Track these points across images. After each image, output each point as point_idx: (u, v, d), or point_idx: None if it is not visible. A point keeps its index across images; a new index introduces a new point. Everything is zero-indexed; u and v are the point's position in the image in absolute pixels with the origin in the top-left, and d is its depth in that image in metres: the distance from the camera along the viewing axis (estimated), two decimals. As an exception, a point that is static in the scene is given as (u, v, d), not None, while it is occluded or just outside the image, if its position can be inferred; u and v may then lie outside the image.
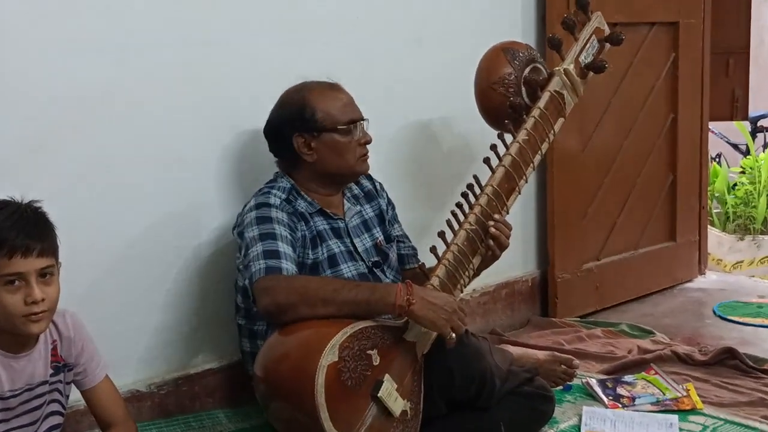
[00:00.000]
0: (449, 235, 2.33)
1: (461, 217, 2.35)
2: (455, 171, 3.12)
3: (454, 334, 2.13)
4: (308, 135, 2.39)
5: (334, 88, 2.44)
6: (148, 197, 2.52)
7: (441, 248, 2.30)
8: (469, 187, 2.37)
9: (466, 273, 2.32)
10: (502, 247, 2.37)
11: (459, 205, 2.36)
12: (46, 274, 1.85)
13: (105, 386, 2.06)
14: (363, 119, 2.44)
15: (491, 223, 2.32)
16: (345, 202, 2.52)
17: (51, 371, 1.95)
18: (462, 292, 2.35)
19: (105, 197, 2.44)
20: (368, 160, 2.46)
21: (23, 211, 1.85)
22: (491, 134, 2.45)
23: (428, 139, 3.27)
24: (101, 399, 2.05)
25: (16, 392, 1.90)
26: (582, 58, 2.60)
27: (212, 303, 2.68)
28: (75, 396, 2.09)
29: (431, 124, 3.27)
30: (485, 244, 2.33)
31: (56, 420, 1.99)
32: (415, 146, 3.22)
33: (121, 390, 2.36)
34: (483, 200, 2.36)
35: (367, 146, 2.44)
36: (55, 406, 1.98)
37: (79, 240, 2.26)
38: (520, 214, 3.52)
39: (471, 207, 2.36)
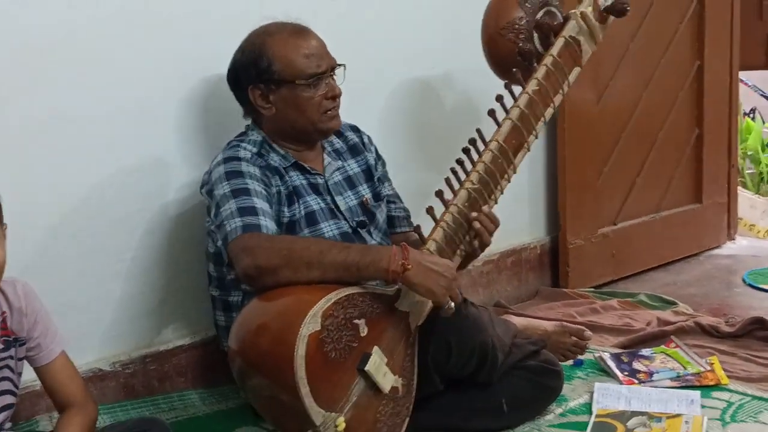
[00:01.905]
0: (448, 195, 2.32)
1: (462, 176, 2.34)
2: (458, 129, 3.09)
3: (453, 304, 2.13)
4: (265, 87, 2.37)
5: (299, 33, 2.39)
6: (105, 153, 2.51)
7: (439, 210, 2.29)
8: (472, 142, 2.35)
9: (467, 237, 2.32)
10: (484, 245, 2.34)
11: (460, 162, 2.34)
12: None
13: (61, 363, 2.05)
14: (332, 70, 2.39)
15: (474, 215, 2.29)
16: (325, 156, 2.51)
17: (0, 346, 1.95)
18: (461, 258, 2.34)
19: (58, 154, 2.43)
20: (338, 115, 2.41)
21: None
22: (499, 89, 2.44)
23: (429, 94, 3.27)
24: (57, 377, 2.04)
25: (-39, 369, 1.90)
26: (601, 0, 2.58)
27: (183, 272, 2.68)
28: (31, 376, 2.09)
29: (433, 78, 3.27)
30: (466, 239, 2.31)
31: (8, 399, 1.99)
32: (414, 101, 3.22)
33: (81, 369, 2.37)
34: (487, 157, 2.35)
35: (337, 100, 2.39)
36: (6, 385, 1.98)
37: (30, 201, 2.26)
38: (528, 173, 3.52)
39: (474, 164, 2.35)
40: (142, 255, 2.62)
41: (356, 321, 2.04)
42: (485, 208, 2.31)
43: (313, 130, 2.41)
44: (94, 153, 2.49)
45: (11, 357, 1.98)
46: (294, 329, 1.91)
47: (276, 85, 2.36)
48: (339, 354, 1.98)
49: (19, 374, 2.02)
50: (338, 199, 2.46)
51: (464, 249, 2.32)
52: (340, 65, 2.42)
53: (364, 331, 2.05)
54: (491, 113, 2.40)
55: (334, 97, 2.39)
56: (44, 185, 2.40)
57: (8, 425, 2.05)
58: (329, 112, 2.39)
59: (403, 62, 3.14)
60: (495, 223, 2.34)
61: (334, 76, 2.41)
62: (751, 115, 6.21)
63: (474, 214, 2.29)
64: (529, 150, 2.46)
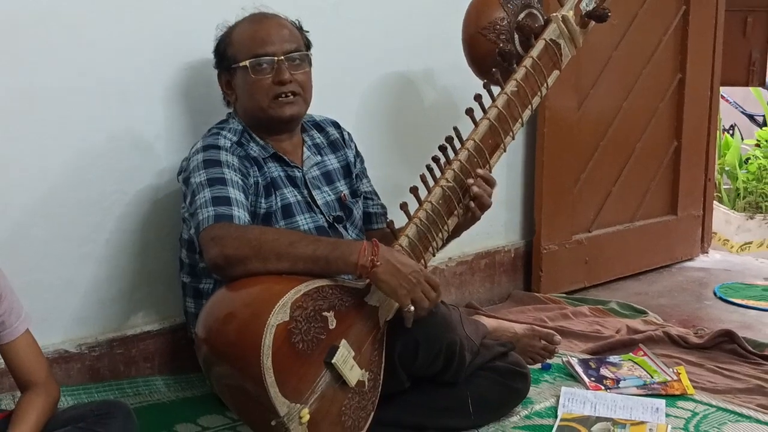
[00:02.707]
0: (423, 192, 2.30)
1: (438, 173, 2.33)
2: (435, 127, 3.08)
3: (413, 308, 2.11)
4: (227, 73, 2.40)
5: (258, 20, 2.40)
6: (82, 134, 2.49)
7: (413, 206, 2.28)
8: (448, 140, 2.34)
9: (440, 235, 2.31)
10: (484, 207, 2.35)
11: (436, 159, 2.33)
12: None
13: (25, 342, 2.02)
14: (285, 54, 2.34)
15: (471, 181, 2.30)
16: (305, 150, 2.50)
17: (-35, 322, 1.93)
18: (434, 256, 2.33)
19: (32, 132, 2.41)
20: (293, 102, 2.36)
21: None
22: (478, 88, 2.43)
23: (407, 91, 3.26)
24: (20, 356, 2.01)
25: None
26: (583, 5, 2.58)
27: (155, 258, 2.66)
28: (-6, 355, 2.07)
29: (411, 75, 3.26)
30: (463, 204, 2.31)
31: (-31, 375, 1.97)
32: (391, 98, 3.20)
33: (47, 350, 2.37)
34: (463, 155, 2.34)
35: (288, 86, 2.34)
36: (-32, 360, 1.96)
37: (1, 178, 2.23)
38: (505, 176, 3.52)
39: (449, 162, 2.34)
40: (116, 238, 2.60)
41: (325, 313, 2.03)
42: (480, 170, 2.31)
43: (265, 118, 2.38)
44: (71, 131, 2.47)
45: (-25, 334, 1.95)
46: (262, 319, 1.89)
47: (233, 71, 2.38)
48: (306, 345, 1.96)
49: (-17, 351, 2.00)
50: (315, 193, 2.44)
51: (461, 214, 2.32)
52: (296, 52, 2.37)
53: (332, 324, 2.03)
54: (469, 112, 2.39)
55: (281, 82, 2.34)
56: (17, 162, 2.38)
57: (-29, 402, 2.03)
58: (280, 99, 2.35)
59: (382, 58, 3.13)
60: (491, 183, 2.35)
61: (293, 63, 2.36)
62: (731, 132, 6.26)
63: (470, 180, 2.29)
64: (505, 151, 2.45)
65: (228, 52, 2.37)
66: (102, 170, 2.54)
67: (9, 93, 2.36)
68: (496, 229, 3.60)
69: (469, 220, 2.37)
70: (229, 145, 2.33)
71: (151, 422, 2.35)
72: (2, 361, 2.07)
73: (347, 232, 2.47)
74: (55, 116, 2.43)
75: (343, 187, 2.54)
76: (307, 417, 1.93)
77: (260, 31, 2.37)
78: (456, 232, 2.39)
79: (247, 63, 2.33)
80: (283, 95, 2.35)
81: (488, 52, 2.64)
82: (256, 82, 2.34)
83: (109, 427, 1.97)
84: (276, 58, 2.34)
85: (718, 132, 4.52)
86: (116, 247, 2.60)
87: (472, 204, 2.31)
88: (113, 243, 2.60)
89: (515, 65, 2.51)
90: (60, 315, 2.53)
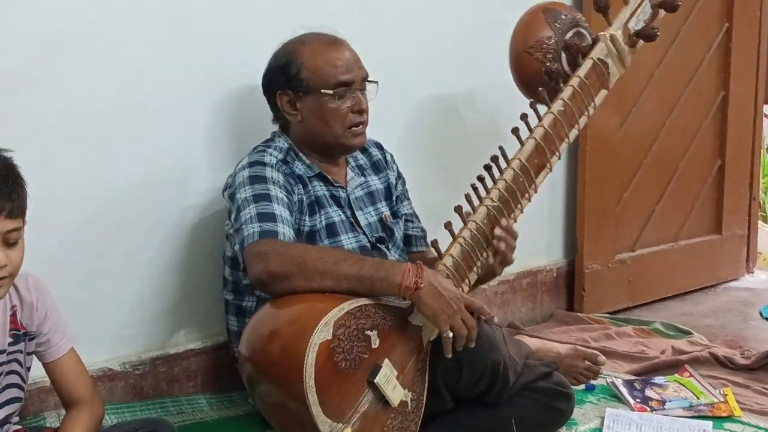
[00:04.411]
0: (468, 212, 2.28)
1: (483, 192, 2.30)
2: (479, 147, 3.06)
3: (451, 335, 2.07)
4: (293, 93, 2.36)
5: (331, 44, 2.38)
6: (127, 153, 2.50)
7: (457, 226, 2.25)
8: (494, 159, 2.32)
9: (484, 255, 2.28)
10: (506, 263, 2.31)
11: (481, 179, 2.31)
12: (12, 237, 1.81)
13: (70, 360, 2.02)
14: (362, 82, 2.37)
15: (497, 232, 2.25)
16: (348, 171, 2.49)
17: (10, 339, 1.92)
18: (477, 275, 2.30)
19: (78, 150, 2.42)
20: (363, 132, 2.39)
21: None
22: (523, 108, 2.40)
23: (451, 111, 3.25)
24: (65, 374, 2.02)
25: (-29, 360, 1.87)
26: (632, 24, 2.55)
27: (198, 276, 2.66)
28: (40, 372, 2.07)
29: (455, 95, 3.25)
30: (484, 256, 2.26)
31: (15, 393, 1.96)
32: (435, 118, 3.20)
33: (92, 368, 2.36)
34: (508, 175, 2.31)
35: (364, 115, 2.37)
36: (14, 378, 1.95)
37: (48, 197, 2.23)
38: (547, 194, 3.49)
39: (495, 181, 2.31)
40: (159, 256, 2.60)
41: (368, 332, 2.01)
42: (504, 221, 2.27)
43: (335, 144, 2.38)
44: (116, 151, 2.48)
45: (20, 351, 1.95)
46: (305, 337, 1.88)
47: (303, 93, 2.35)
48: (349, 364, 1.94)
49: (28, 369, 2.00)
50: (358, 214, 2.44)
51: (481, 267, 2.27)
52: (371, 81, 2.40)
53: (375, 343, 2.01)
54: (515, 131, 2.37)
55: (361, 111, 2.36)
56: (62, 181, 2.39)
57: (15, 419, 2.03)
58: (354, 129, 2.37)
59: (427, 78, 3.12)
60: (514, 236, 2.30)
61: (364, 91, 2.38)
62: (774, 151, 6.15)
63: (497, 231, 2.24)
64: (551, 170, 2.42)
65: (301, 75, 2.33)
66: (145, 190, 2.54)
67: (52, 112, 2.37)
68: (538, 248, 3.56)
69: (489, 275, 2.34)
70: (274, 162, 2.33)
71: (194, 441, 2.35)
72: (48, 379, 2.07)
73: (389, 252, 2.45)
74: (97, 136, 2.44)
75: (384, 208, 2.53)
76: (350, 436, 1.91)
77: (337, 57, 2.35)
78: (475, 286, 2.35)
79: (330, 91, 2.32)
80: (358, 125, 2.36)
81: (535, 71, 2.63)
82: (334, 109, 2.33)
83: (154, 445, 1.97)
84: (356, 86, 2.35)
85: (762, 150, 4.44)
86: (159, 266, 2.60)
87: (492, 260, 2.27)
88: (156, 262, 2.60)
89: (562, 84, 2.48)
90: (104, 333, 2.53)
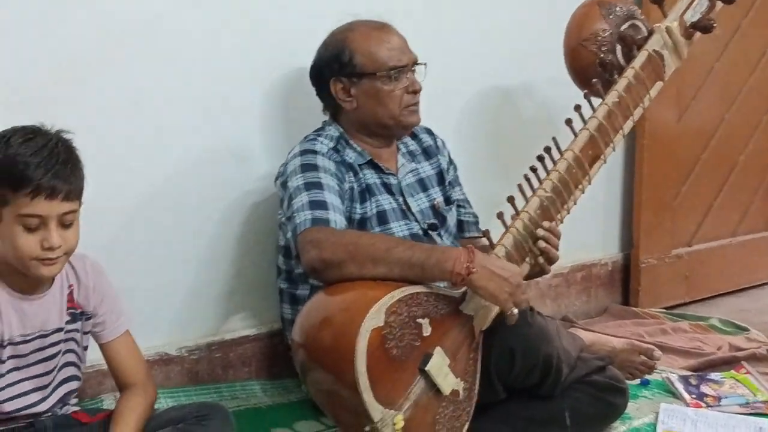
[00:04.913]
0: (520, 202, 2.24)
1: (535, 183, 2.27)
2: (532, 138, 3.03)
3: (516, 311, 2.06)
4: (347, 80, 2.37)
5: (381, 29, 2.40)
6: (185, 140, 2.52)
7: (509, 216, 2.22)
8: (547, 150, 2.28)
9: (534, 251, 2.24)
10: (551, 261, 2.26)
11: (534, 169, 2.28)
12: (68, 219, 1.83)
13: (125, 342, 2.05)
14: (413, 64, 2.39)
15: (540, 232, 2.21)
16: (399, 158, 2.49)
17: (67, 318, 1.95)
18: (530, 266, 2.27)
19: (138, 136, 2.44)
20: (418, 111, 2.40)
21: (54, 146, 1.82)
22: (577, 100, 2.37)
23: (505, 102, 3.23)
24: (119, 356, 2.04)
25: (28, 338, 1.90)
26: (688, 16, 2.51)
27: (252, 263, 2.67)
28: (98, 355, 2.09)
29: (509, 86, 3.23)
30: (533, 255, 2.22)
31: (72, 371, 1.99)
32: (489, 109, 3.18)
33: (148, 352, 2.39)
34: (562, 166, 2.28)
35: (418, 96, 2.39)
36: (71, 357, 1.98)
37: (108, 181, 2.27)
38: (604, 187, 3.45)
39: (548, 172, 2.28)
40: (215, 243, 2.62)
41: (420, 320, 1.99)
42: (546, 223, 2.23)
43: (394, 124, 2.39)
44: (173, 137, 2.50)
45: (77, 330, 1.98)
46: (356, 323, 1.87)
47: (358, 78, 2.35)
48: (401, 352, 1.93)
49: (85, 348, 2.03)
50: (410, 201, 2.43)
51: (531, 262, 2.24)
52: (421, 63, 2.40)
53: (427, 331, 2.00)
54: (569, 122, 2.33)
55: (415, 91, 2.38)
56: (122, 167, 2.41)
57: (74, 401, 2.06)
58: (410, 107, 2.38)
59: (480, 70, 3.10)
60: (557, 236, 2.25)
61: (415, 72, 2.39)
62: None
63: (540, 232, 2.20)
64: (605, 162, 2.38)
65: (355, 61, 2.35)
66: (202, 177, 2.56)
67: (112, 100, 2.39)
68: (593, 241, 3.52)
69: (537, 273, 2.29)
70: (325, 150, 2.33)
71: (248, 426, 2.35)
72: (105, 362, 2.10)
73: (441, 239, 2.44)
74: (157, 122, 2.46)
75: (436, 195, 2.52)
76: (401, 423, 1.89)
77: (388, 40, 2.37)
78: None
79: (384, 73, 2.34)
80: (413, 104, 2.38)
81: (589, 63, 2.61)
82: (389, 90, 2.35)
83: (208, 429, 1.98)
84: (408, 68, 2.36)
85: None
86: (215, 253, 2.62)
87: (541, 259, 2.23)
88: (212, 248, 2.61)
89: (617, 76, 2.45)
90: (161, 318, 2.55)
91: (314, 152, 2.31)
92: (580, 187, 2.32)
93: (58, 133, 1.86)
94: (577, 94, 2.48)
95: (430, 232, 2.42)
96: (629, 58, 2.51)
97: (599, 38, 2.62)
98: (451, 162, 2.61)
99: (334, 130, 2.41)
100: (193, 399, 2.50)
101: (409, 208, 2.42)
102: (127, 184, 2.43)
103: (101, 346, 2.04)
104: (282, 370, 2.65)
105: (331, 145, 2.36)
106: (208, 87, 2.53)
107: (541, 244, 2.20)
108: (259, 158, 2.64)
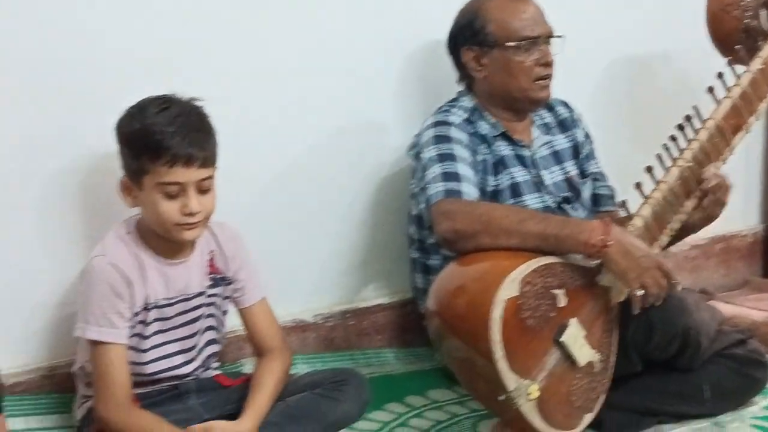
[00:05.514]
0: (658, 172, 2.18)
1: (675, 153, 2.21)
2: (670, 108, 2.93)
3: (641, 293, 2.00)
4: (478, 49, 2.34)
5: None
6: (321, 111, 2.54)
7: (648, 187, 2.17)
8: (687, 119, 2.22)
9: (677, 216, 2.19)
10: (722, 205, 2.21)
11: (673, 138, 2.21)
12: (205, 185, 1.88)
13: (261, 308, 2.09)
14: (547, 36, 2.33)
15: (708, 174, 2.16)
16: (534, 130, 2.45)
17: (209, 282, 2.01)
18: (668, 238, 2.21)
19: (276, 107, 2.47)
20: (549, 86, 2.35)
21: (188, 114, 1.88)
22: (718, 68, 2.30)
23: (642, 72, 3.14)
24: (257, 321, 2.09)
25: (171, 301, 1.96)
26: (838, -23, 2.39)
27: (385, 233, 2.68)
28: (239, 321, 2.15)
29: (646, 55, 3.13)
30: (696, 198, 2.18)
31: (213, 335, 2.05)
32: (625, 79, 3.10)
33: (285, 318, 2.43)
34: (703, 135, 2.21)
35: (550, 69, 2.33)
36: (212, 321, 2.04)
37: (246, 150, 2.32)
38: (743, 158, 3.30)
39: (688, 142, 2.22)
40: (350, 213, 2.64)
41: (555, 291, 1.97)
42: (713, 167, 2.18)
43: (522, 98, 2.35)
44: (310, 110, 2.52)
45: (218, 295, 2.04)
46: (491, 292, 1.87)
47: (489, 47, 2.32)
48: (536, 322, 1.91)
49: (225, 313, 2.08)
50: (543, 174, 2.40)
51: (690, 216, 2.19)
52: (557, 36, 2.35)
53: (562, 302, 1.98)
54: (710, 90, 2.26)
55: (547, 64, 2.32)
56: (260, 136, 2.45)
57: (215, 364, 2.12)
58: (540, 81, 2.33)
59: (619, 38, 3.01)
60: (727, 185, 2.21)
61: (549, 45, 2.33)
62: None
63: (708, 173, 2.16)
64: (748, 132, 2.30)
65: (487, 29, 2.32)
66: (338, 147, 2.59)
67: (257, 69, 2.43)
68: (733, 212, 3.34)
69: (705, 219, 2.24)
70: (459, 121, 2.31)
71: (383, 393, 2.37)
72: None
73: (575, 212, 2.40)
74: (292, 96, 2.49)
75: (571, 168, 2.48)
76: (537, 393, 1.88)
77: (522, 9, 2.33)
78: (686, 232, 2.26)
79: (516, 43, 2.29)
80: (545, 78, 2.33)
81: (732, 30, 2.51)
82: (520, 62, 2.31)
83: (345, 395, 2.02)
84: (542, 39, 2.31)
85: None
86: (350, 222, 2.65)
87: (706, 201, 2.17)
88: (347, 218, 2.64)
89: (761, 42, 2.36)
90: (298, 286, 2.59)
91: (448, 124, 2.30)
92: (721, 157, 2.25)
93: (190, 101, 1.91)
94: (716, 64, 2.40)
95: (563, 205, 2.39)
96: (775, 23, 2.41)
97: (742, 3, 2.52)
98: (587, 135, 2.56)
99: (468, 102, 2.39)
100: (328, 365, 2.52)
101: (542, 181, 2.39)
102: (264, 153, 2.47)
103: (240, 312, 2.09)
104: (414, 338, 2.66)
105: (465, 116, 2.34)
106: (343, 59, 2.54)
107: (708, 185, 2.15)
108: (394, 129, 2.64)
